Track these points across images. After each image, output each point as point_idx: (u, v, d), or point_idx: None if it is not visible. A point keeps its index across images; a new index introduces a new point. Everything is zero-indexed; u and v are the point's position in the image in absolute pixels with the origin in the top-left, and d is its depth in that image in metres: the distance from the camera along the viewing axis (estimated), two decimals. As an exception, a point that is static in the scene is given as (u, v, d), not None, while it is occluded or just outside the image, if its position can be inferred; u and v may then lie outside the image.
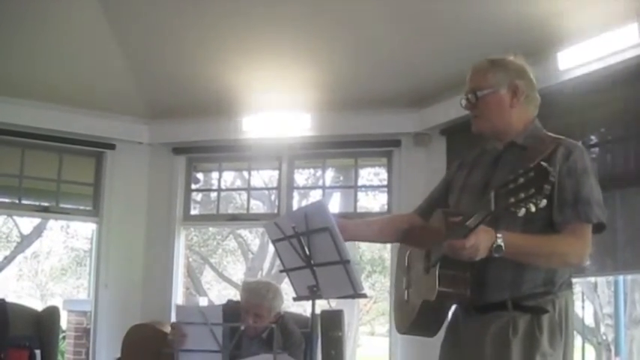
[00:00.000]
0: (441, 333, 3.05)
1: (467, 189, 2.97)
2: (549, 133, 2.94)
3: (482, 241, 2.52)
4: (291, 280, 3.35)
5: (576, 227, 2.72)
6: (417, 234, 3.07)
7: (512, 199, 2.25)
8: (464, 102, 2.99)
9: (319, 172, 9.36)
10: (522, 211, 2.24)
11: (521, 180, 2.24)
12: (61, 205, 7.88)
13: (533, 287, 2.75)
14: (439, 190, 3.21)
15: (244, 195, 10.42)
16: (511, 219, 2.55)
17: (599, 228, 2.79)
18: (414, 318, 2.89)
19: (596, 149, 5.99)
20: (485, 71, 2.98)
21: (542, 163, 2.22)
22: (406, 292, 3.05)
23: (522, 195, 2.22)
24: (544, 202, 2.21)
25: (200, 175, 8.61)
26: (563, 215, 2.70)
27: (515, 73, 2.96)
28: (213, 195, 9.15)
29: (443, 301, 2.75)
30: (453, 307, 3.00)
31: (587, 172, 2.77)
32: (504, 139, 2.93)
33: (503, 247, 2.53)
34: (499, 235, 2.54)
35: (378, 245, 14.83)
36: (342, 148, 7.67)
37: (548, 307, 2.73)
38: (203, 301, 14.60)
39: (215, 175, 8.73)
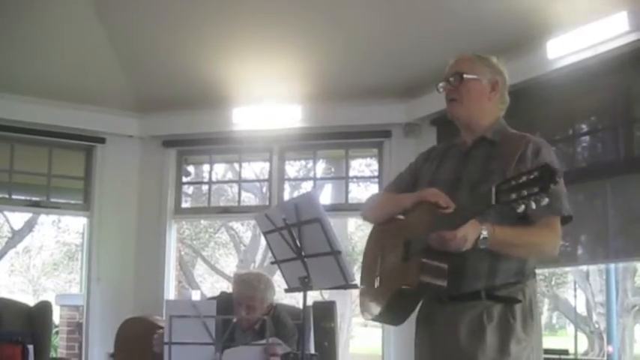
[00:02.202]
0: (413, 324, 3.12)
1: (437, 183, 3.02)
2: (513, 131, 3.05)
3: (470, 232, 2.62)
4: (282, 272, 3.35)
5: (549, 220, 2.82)
6: (398, 222, 3.10)
7: (513, 195, 2.34)
8: (443, 84, 3.08)
9: (310, 164, 9.37)
10: (522, 208, 2.33)
11: (524, 178, 2.32)
12: (52, 200, 7.86)
13: (507, 277, 2.86)
14: (406, 180, 3.27)
15: (235, 187, 10.42)
16: (485, 213, 2.65)
17: (566, 220, 2.89)
18: (384, 305, 2.95)
19: (586, 137, 6.01)
20: (472, 60, 3.09)
21: (549, 164, 2.31)
22: (377, 279, 3.09)
23: (525, 192, 2.30)
24: (546, 200, 2.30)
25: (191, 168, 8.60)
26: (537, 209, 2.71)
27: (496, 70, 3.08)
28: (205, 188, 9.15)
29: (422, 290, 2.82)
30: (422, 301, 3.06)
31: None
32: (475, 130, 3.04)
33: (489, 239, 2.65)
34: (484, 227, 2.65)
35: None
36: (332, 140, 7.66)
37: (519, 296, 2.84)
38: (196, 295, 14.58)
39: (206, 167, 8.72)
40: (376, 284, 3.08)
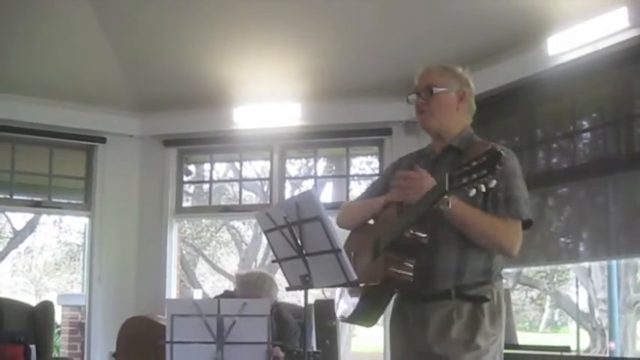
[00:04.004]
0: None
1: None
2: (480, 139, 3.19)
3: (430, 183, 2.79)
4: (283, 270, 3.36)
5: (509, 221, 2.95)
6: (368, 226, 3.26)
7: (465, 180, 2.48)
8: (414, 97, 3.23)
9: (311, 162, 9.36)
10: (473, 191, 2.48)
11: (474, 163, 2.46)
12: (53, 200, 7.87)
13: (474, 276, 2.99)
14: (377, 189, 3.39)
15: (236, 186, 10.43)
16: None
17: (528, 225, 3.01)
18: (357, 305, 3.07)
19: (587, 134, 6.00)
20: (440, 73, 3.22)
21: (495, 147, 2.48)
22: None
23: (475, 175, 2.45)
24: (494, 182, 2.45)
25: (192, 167, 8.59)
26: (497, 212, 2.94)
27: (463, 81, 3.22)
28: (206, 187, 9.14)
29: (388, 284, 2.91)
30: (396, 300, 3.19)
31: (516, 174, 3.01)
32: (444, 139, 3.19)
33: (450, 207, 2.70)
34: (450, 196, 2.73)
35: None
36: (333, 138, 7.66)
37: (487, 295, 2.98)
38: (197, 294, 14.60)
39: (207, 166, 8.72)
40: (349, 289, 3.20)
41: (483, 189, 2.47)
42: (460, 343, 2.91)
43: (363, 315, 3.11)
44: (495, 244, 2.96)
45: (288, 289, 3.42)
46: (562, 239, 6.11)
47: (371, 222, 3.25)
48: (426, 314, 3.00)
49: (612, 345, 12.27)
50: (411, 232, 2.81)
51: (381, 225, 3.09)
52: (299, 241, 3.16)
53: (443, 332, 2.94)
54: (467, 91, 3.19)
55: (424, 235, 2.82)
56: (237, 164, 9.34)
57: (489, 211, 2.94)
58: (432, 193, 2.70)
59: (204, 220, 16.55)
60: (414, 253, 2.84)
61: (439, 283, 2.97)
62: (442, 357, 2.92)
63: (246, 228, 18.38)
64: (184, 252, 16.20)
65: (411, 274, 2.84)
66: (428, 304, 3.00)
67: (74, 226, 18.04)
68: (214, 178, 9.24)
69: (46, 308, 6.87)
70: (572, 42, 5.58)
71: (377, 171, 7.91)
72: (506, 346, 3.12)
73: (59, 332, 9.46)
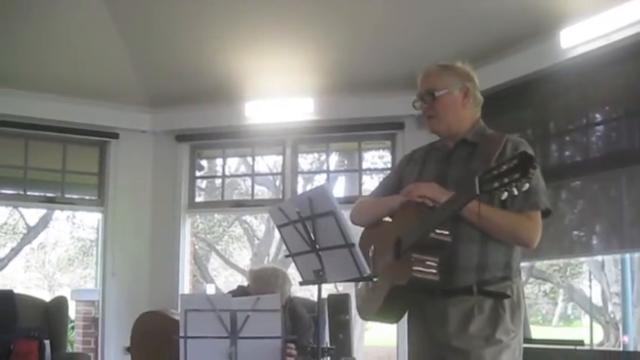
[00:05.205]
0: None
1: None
2: (492, 131, 3.17)
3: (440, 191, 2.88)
4: (296, 265, 3.36)
5: (529, 213, 2.96)
6: (386, 224, 3.22)
7: (496, 184, 2.49)
8: (419, 103, 3.24)
9: (323, 157, 9.35)
10: (505, 195, 2.50)
11: (504, 167, 2.48)
12: (66, 196, 7.91)
13: (495, 271, 2.98)
14: (391, 184, 3.36)
15: (249, 181, 10.43)
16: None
17: (546, 213, 3.02)
18: (380, 304, 3.03)
19: (601, 127, 5.98)
20: (438, 74, 3.21)
21: (527, 151, 2.53)
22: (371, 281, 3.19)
23: (506, 180, 2.47)
24: (527, 185, 2.48)
25: (204, 162, 8.61)
26: (516, 204, 2.94)
27: (464, 77, 3.19)
28: (218, 182, 9.17)
29: (414, 285, 2.88)
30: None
31: None
32: (456, 135, 3.16)
33: (470, 207, 2.75)
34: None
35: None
36: (345, 132, 7.66)
37: (508, 291, 2.98)
38: (210, 288, 14.61)
39: (219, 161, 8.74)
40: (370, 285, 3.18)
41: (515, 192, 2.48)
42: (481, 337, 2.91)
43: (388, 314, 3.10)
44: (514, 237, 2.96)
45: (301, 283, 3.42)
46: (575, 232, 6.09)
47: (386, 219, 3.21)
48: (446, 309, 2.98)
49: (626, 339, 12.23)
50: (436, 231, 2.81)
51: (399, 223, 3.05)
52: (312, 236, 3.16)
53: (463, 327, 2.94)
54: (470, 86, 3.17)
55: (447, 233, 2.82)
56: (249, 159, 9.35)
57: (508, 201, 2.89)
58: (460, 196, 2.71)
59: (216, 215, 16.55)
60: (438, 252, 2.83)
61: (461, 279, 2.96)
62: (462, 351, 2.92)
63: (259, 222, 18.39)
64: (197, 247, 16.22)
65: (435, 272, 2.83)
66: (448, 299, 2.98)
67: (87, 222, 18.09)
68: (226, 173, 9.24)
69: (59, 303, 6.90)
70: (585, 35, 5.56)
71: (389, 165, 7.90)
72: (520, 341, 3.11)
73: (73, 327, 9.48)
